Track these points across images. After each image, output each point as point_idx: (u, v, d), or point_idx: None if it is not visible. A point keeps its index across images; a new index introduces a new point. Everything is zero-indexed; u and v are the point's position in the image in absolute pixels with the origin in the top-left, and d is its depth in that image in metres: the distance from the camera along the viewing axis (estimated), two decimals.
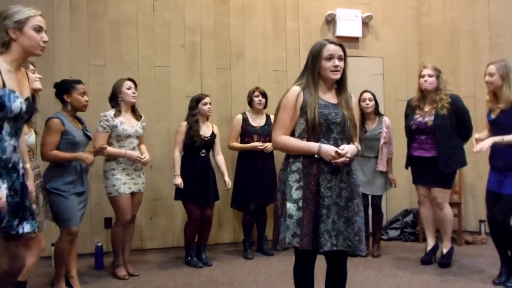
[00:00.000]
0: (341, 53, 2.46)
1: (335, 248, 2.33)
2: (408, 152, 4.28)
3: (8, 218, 2.14)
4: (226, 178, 4.41)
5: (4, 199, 2.09)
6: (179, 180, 4.20)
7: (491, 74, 3.59)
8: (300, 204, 2.37)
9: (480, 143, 3.45)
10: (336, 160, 2.34)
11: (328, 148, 2.36)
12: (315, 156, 2.37)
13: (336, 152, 2.34)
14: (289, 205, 2.38)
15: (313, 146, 2.38)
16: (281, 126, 2.46)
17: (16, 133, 2.23)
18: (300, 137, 2.44)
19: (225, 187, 4.44)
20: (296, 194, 2.39)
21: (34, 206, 2.36)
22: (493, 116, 3.62)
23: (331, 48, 2.44)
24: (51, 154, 3.31)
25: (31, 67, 2.97)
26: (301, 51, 5.29)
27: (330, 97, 2.48)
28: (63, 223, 3.34)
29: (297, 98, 2.42)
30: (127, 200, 3.89)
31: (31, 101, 2.31)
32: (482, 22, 5.34)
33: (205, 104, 4.33)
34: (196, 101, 4.35)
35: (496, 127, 3.58)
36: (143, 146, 4.14)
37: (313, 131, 2.40)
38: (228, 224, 5.05)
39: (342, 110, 2.45)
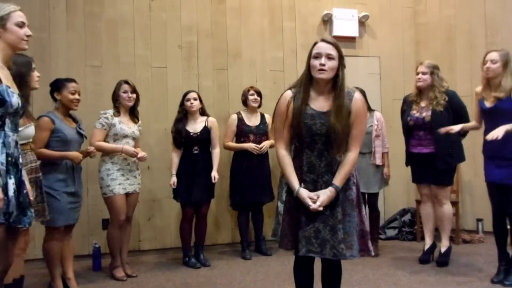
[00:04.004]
0: (331, 51, 2.33)
1: (312, 255, 2.37)
2: (408, 149, 4.28)
3: (16, 213, 2.18)
4: (213, 173, 4.30)
5: (11, 193, 2.14)
6: (172, 180, 4.24)
7: (494, 61, 3.54)
8: (285, 205, 2.47)
9: (494, 132, 3.29)
10: (310, 208, 2.34)
11: (301, 198, 2.35)
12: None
13: (309, 205, 2.33)
14: (279, 204, 2.50)
15: (293, 185, 2.39)
16: (280, 136, 2.46)
17: (16, 129, 2.27)
18: (290, 143, 2.48)
19: (212, 181, 4.32)
20: (285, 196, 2.48)
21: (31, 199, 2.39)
22: (488, 104, 3.58)
23: (320, 46, 2.36)
24: (38, 152, 3.27)
25: (33, 65, 3.01)
26: (298, 51, 5.30)
27: (321, 103, 2.39)
28: (50, 221, 3.28)
29: (288, 104, 2.40)
30: (121, 200, 3.88)
31: (21, 97, 2.33)
32: (478, 21, 5.36)
33: (188, 100, 4.31)
34: (183, 98, 4.37)
35: (494, 115, 3.51)
36: (138, 149, 4.13)
37: (299, 141, 2.41)
38: (225, 224, 5.04)
39: (332, 117, 2.33)
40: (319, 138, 2.36)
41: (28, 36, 2.30)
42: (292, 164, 2.43)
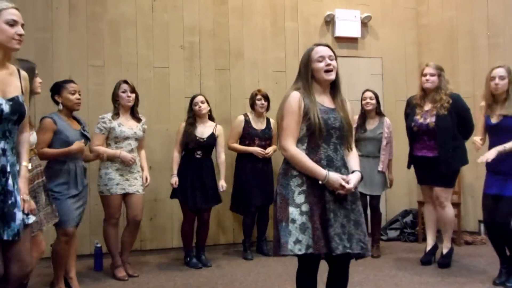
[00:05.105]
0: (331, 53, 2.45)
1: (349, 251, 2.33)
2: (411, 152, 4.27)
3: None
4: (221, 182, 4.34)
5: None
6: (174, 179, 4.22)
7: (502, 77, 3.58)
8: (303, 208, 2.34)
9: (485, 155, 3.42)
10: (340, 192, 2.33)
11: (334, 180, 2.32)
12: (319, 182, 2.33)
13: (341, 185, 2.32)
14: (291, 209, 2.34)
15: (320, 172, 2.33)
16: (290, 133, 2.40)
17: (4, 136, 2.16)
18: (301, 142, 2.42)
19: (220, 190, 4.37)
20: (299, 198, 2.36)
21: (28, 205, 2.26)
22: (494, 121, 3.61)
23: (320, 50, 2.45)
24: (40, 152, 3.29)
25: (36, 70, 3.00)
26: (300, 51, 5.28)
27: (326, 102, 2.47)
28: (58, 224, 3.33)
29: (300, 103, 2.40)
30: (117, 200, 3.91)
31: (20, 101, 2.21)
32: (480, 22, 5.34)
33: (196, 104, 4.32)
34: (190, 102, 4.37)
35: (498, 131, 3.56)
36: (143, 155, 4.12)
37: (314, 137, 2.38)
38: (227, 225, 5.04)
39: (339, 113, 2.44)
40: (334, 132, 2.42)
41: (20, 35, 2.17)
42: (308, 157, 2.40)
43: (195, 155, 4.29)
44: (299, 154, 2.38)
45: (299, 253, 2.29)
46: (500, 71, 3.60)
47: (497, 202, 3.55)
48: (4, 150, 2.15)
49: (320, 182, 2.32)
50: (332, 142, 2.42)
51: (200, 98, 4.34)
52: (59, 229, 3.39)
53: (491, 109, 3.65)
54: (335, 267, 2.52)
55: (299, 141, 2.43)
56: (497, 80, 3.58)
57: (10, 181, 2.15)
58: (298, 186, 2.38)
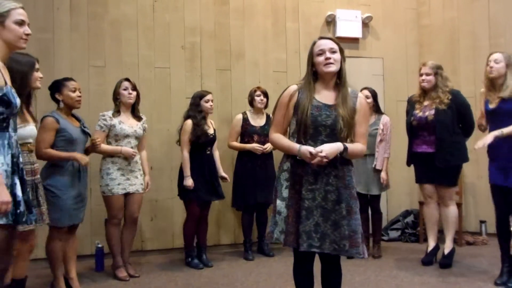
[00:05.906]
0: (333, 45, 2.43)
1: (315, 250, 2.35)
2: (411, 149, 4.27)
3: (27, 212, 2.20)
4: (223, 174, 4.41)
5: (20, 193, 2.14)
6: (190, 182, 4.17)
7: (497, 61, 3.57)
8: (288, 202, 2.43)
9: (482, 140, 3.36)
10: (312, 161, 2.31)
11: (304, 150, 2.33)
12: (297, 157, 2.38)
13: (310, 153, 2.30)
14: (278, 202, 2.45)
15: (294, 146, 2.39)
16: (275, 124, 2.52)
17: (16, 128, 2.27)
18: (292, 137, 2.47)
19: (225, 181, 4.44)
20: (285, 192, 2.44)
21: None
22: (492, 106, 3.59)
23: (321, 43, 2.45)
24: (44, 152, 3.29)
25: (36, 65, 3.00)
26: (301, 52, 5.29)
27: (327, 97, 2.44)
28: (53, 221, 3.29)
29: (291, 98, 2.45)
30: (119, 200, 3.91)
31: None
32: (482, 23, 5.34)
33: (207, 101, 4.32)
34: (199, 98, 4.33)
35: (496, 116, 3.54)
36: (144, 156, 4.12)
37: (301, 132, 2.40)
38: (228, 225, 5.04)
39: (337, 111, 2.38)
40: (324, 129, 2.39)
41: (27, 34, 2.24)
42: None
43: (206, 151, 4.31)
44: (278, 137, 2.48)
45: (283, 242, 2.40)
46: (495, 55, 3.61)
47: (504, 193, 3.52)
48: (16, 142, 2.24)
49: (298, 157, 2.37)
50: (320, 140, 2.38)
51: (211, 96, 4.36)
52: (54, 226, 3.36)
53: (490, 95, 3.64)
54: (326, 263, 2.54)
55: (292, 136, 2.49)
56: (491, 63, 3.60)
57: (24, 172, 2.28)
58: (286, 180, 2.45)
